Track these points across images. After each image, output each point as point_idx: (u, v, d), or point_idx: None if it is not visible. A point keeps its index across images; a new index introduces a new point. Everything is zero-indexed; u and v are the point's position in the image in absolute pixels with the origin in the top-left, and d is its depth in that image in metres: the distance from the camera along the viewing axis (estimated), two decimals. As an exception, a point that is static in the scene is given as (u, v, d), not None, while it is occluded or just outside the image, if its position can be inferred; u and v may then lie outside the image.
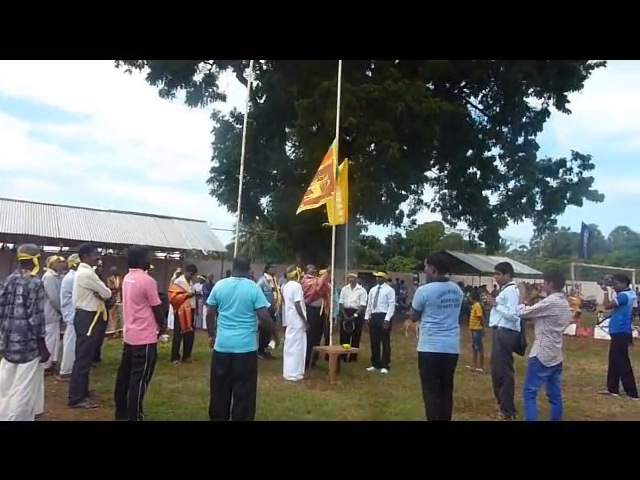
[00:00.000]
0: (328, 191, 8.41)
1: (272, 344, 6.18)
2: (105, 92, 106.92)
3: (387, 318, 8.63)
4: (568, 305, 5.60)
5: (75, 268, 6.83)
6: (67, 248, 13.59)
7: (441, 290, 4.64)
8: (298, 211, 9.19)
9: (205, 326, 12.33)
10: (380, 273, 9.36)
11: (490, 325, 6.31)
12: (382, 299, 8.75)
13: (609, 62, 16.98)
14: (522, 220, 19.10)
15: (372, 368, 8.67)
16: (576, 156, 18.18)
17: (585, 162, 18.05)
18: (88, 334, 5.82)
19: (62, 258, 7.66)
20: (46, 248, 13.84)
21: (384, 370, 8.51)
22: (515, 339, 6.02)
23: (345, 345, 8.64)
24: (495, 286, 22.52)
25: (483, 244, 21.21)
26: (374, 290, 8.95)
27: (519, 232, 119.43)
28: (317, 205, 8.76)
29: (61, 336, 7.27)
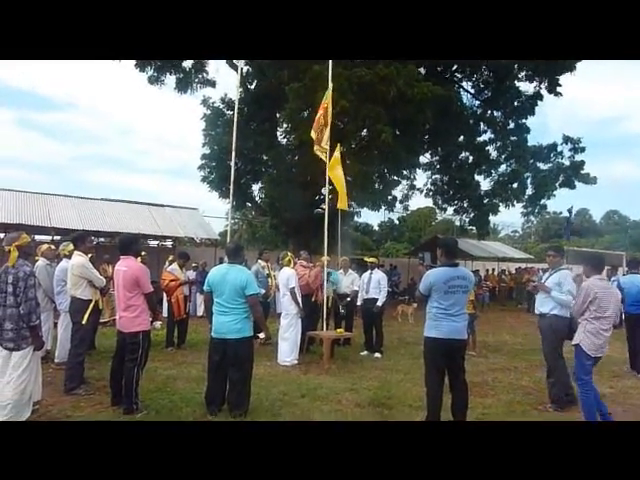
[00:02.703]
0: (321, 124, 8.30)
1: (262, 335, 6.16)
2: (92, 80, 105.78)
3: (379, 303, 8.68)
4: (612, 289, 5.15)
5: (67, 256, 6.82)
6: (58, 237, 13.50)
7: (449, 275, 4.49)
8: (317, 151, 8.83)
9: (199, 313, 12.47)
10: (371, 259, 9.39)
11: (537, 312, 5.91)
12: (374, 284, 8.80)
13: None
14: (513, 205, 19.15)
15: (365, 353, 8.74)
16: (567, 140, 18.24)
17: (576, 145, 18.12)
18: (83, 322, 5.84)
19: (53, 247, 7.63)
20: (37, 237, 13.74)
21: (377, 354, 8.59)
22: (568, 325, 5.66)
23: (339, 330, 8.71)
24: (489, 270, 22.88)
25: (474, 229, 21.28)
26: (366, 275, 9.00)
27: (511, 217, 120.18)
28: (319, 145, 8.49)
29: (55, 324, 7.28)
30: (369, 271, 8.99)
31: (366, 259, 9.56)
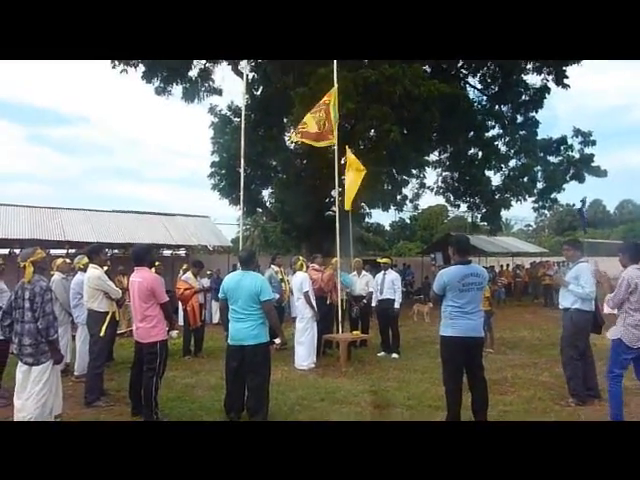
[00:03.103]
0: (327, 134, 8.26)
1: (277, 341, 6.19)
2: (100, 93, 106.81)
3: (396, 305, 8.64)
4: None
5: (82, 270, 6.88)
6: (73, 250, 13.64)
7: (463, 273, 4.45)
8: (294, 139, 8.92)
9: (215, 320, 12.52)
10: (384, 260, 9.35)
11: (561, 307, 5.83)
12: (388, 285, 8.76)
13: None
14: (525, 200, 18.99)
15: (383, 354, 8.71)
16: (577, 132, 18.06)
17: (586, 139, 17.93)
18: (101, 334, 5.88)
19: (68, 260, 7.71)
20: (52, 251, 13.89)
21: (395, 355, 8.55)
22: (591, 319, 5.64)
23: (355, 332, 8.69)
24: (504, 265, 22.70)
25: (486, 225, 21.12)
26: (380, 276, 8.97)
27: (524, 211, 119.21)
28: (317, 144, 8.50)
29: (73, 337, 7.34)
30: (382, 272, 8.96)
31: (379, 260, 9.53)
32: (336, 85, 8.46)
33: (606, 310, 5.70)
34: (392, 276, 8.88)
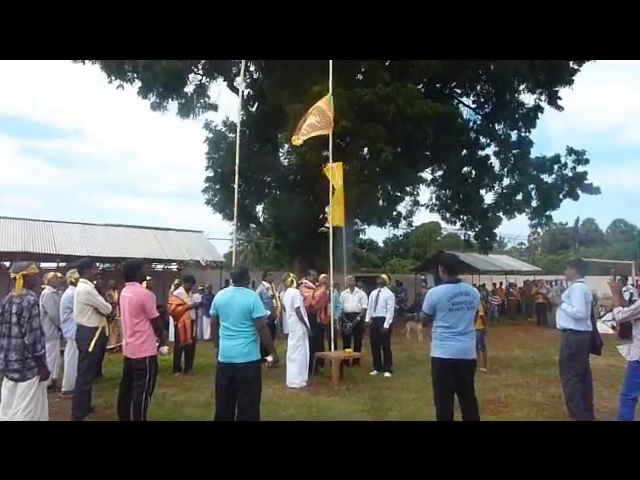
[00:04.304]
0: (325, 124, 8.25)
1: (269, 358, 6.14)
2: (94, 107, 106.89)
3: (386, 325, 8.59)
4: None
5: (74, 284, 6.81)
6: (64, 264, 13.53)
7: (452, 292, 4.38)
8: (295, 143, 8.87)
9: (206, 336, 12.41)
10: (383, 276, 9.32)
11: (558, 327, 5.76)
12: (382, 303, 8.72)
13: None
14: (514, 217, 19.16)
15: (375, 372, 8.64)
16: (570, 151, 18.18)
17: (580, 157, 18.07)
18: (90, 350, 5.79)
19: (59, 274, 7.64)
20: (43, 264, 13.77)
21: (387, 374, 8.48)
22: (588, 340, 5.54)
23: (347, 350, 8.62)
24: (497, 283, 22.73)
25: (479, 242, 21.17)
26: (374, 294, 8.93)
27: (516, 229, 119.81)
28: (320, 132, 8.41)
29: (61, 352, 7.24)
30: (377, 289, 8.93)
31: (383, 276, 9.37)
32: (331, 89, 8.59)
33: (601, 330, 5.66)
34: (386, 294, 8.82)
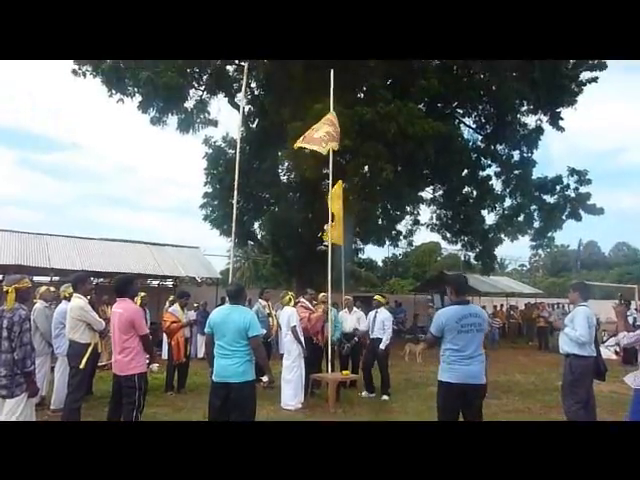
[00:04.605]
0: (331, 138, 8.14)
1: (265, 379, 5.98)
2: (94, 120, 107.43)
3: (382, 346, 8.35)
4: None
5: (67, 299, 6.64)
6: (58, 278, 13.34)
7: (461, 314, 4.27)
8: (297, 146, 8.73)
9: (200, 354, 12.17)
10: (378, 297, 8.99)
11: (561, 352, 5.66)
12: (379, 325, 8.49)
13: (600, 78, 17.14)
14: (517, 239, 19.07)
15: (365, 393, 8.43)
16: (572, 172, 18.11)
17: (582, 177, 17.97)
18: (81, 366, 5.66)
19: (52, 288, 7.49)
20: (36, 278, 13.57)
21: (385, 397, 8.25)
22: (592, 365, 5.42)
23: (345, 372, 8.41)
24: (497, 306, 22.51)
25: (480, 264, 21.03)
26: (372, 314, 8.72)
27: (518, 251, 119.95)
28: (322, 148, 8.18)
29: (52, 369, 7.04)
30: (375, 310, 8.72)
31: (377, 297, 9.11)
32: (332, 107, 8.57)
33: (604, 355, 5.52)
34: (383, 315, 8.58)
